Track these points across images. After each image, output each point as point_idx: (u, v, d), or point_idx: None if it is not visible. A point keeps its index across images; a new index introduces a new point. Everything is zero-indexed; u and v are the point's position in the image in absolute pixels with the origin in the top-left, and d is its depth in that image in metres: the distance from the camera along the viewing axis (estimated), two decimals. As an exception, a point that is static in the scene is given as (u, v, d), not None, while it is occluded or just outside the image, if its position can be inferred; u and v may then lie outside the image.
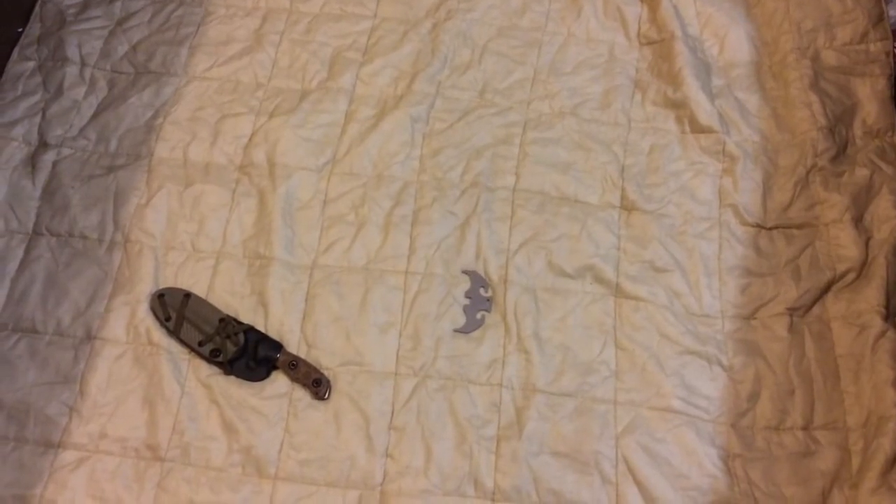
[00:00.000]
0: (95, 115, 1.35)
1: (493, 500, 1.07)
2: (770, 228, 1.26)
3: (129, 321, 1.17)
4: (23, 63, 1.40)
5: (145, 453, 1.09)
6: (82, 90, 1.37)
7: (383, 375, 1.14)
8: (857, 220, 1.23)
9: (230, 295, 1.20)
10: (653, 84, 1.39)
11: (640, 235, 1.25)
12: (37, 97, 1.36)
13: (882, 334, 1.14)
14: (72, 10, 1.45)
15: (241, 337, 1.14)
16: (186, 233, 1.24)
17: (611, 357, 1.16)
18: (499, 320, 1.18)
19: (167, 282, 1.20)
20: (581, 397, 1.13)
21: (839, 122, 1.32)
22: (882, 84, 1.34)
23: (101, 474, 1.07)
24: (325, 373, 1.14)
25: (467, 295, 1.20)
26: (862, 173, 1.27)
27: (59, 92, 1.36)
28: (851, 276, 1.19)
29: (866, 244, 1.21)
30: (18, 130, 1.32)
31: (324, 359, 1.15)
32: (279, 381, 1.14)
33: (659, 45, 1.42)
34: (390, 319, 1.18)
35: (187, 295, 1.17)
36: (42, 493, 1.05)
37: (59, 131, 1.32)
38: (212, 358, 1.13)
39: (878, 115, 1.32)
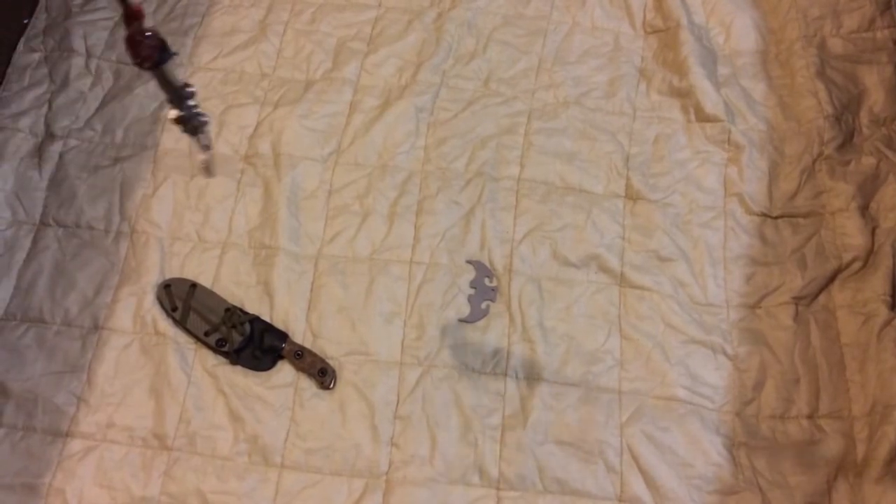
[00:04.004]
0: (101, 106, 1.35)
1: (497, 488, 1.07)
2: (776, 217, 1.26)
3: (135, 311, 1.17)
4: (29, 54, 1.40)
5: (152, 442, 1.09)
6: (88, 81, 1.38)
7: (388, 365, 1.15)
8: (863, 209, 1.23)
9: (236, 285, 1.20)
10: (658, 73, 1.39)
11: (644, 225, 1.25)
12: (43, 88, 1.36)
13: (887, 323, 1.14)
14: (77, 1, 1.45)
15: (247, 327, 1.14)
16: (192, 223, 1.24)
17: (615, 346, 1.16)
18: (503, 310, 1.18)
19: (173, 272, 1.21)
20: (586, 386, 1.14)
21: (846, 111, 1.31)
22: (889, 72, 1.33)
23: (108, 463, 1.08)
24: (331, 362, 1.14)
25: (472, 285, 1.20)
26: (868, 162, 1.26)
27: (66, 83, 1.36)
28: (857, 264, 1.19)
29: (872, 233, 1.21)
30: (25, 121, 1.32)
31: (329, 348, 1.16)
32: (285, 371, 1.14)
33: (664, 33, 1.41)
34: (395, 309, 1.18)
35: (193, 285, 1.18)
36: (51, 481, 1.06)
37: (65, 122, 1.33)
38: (218, 348, 1.13)
39: (884, 103, 1.31)
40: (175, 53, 0.68)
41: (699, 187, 1.28)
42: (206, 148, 0.81)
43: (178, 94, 0.74)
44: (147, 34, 0.63)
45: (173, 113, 0.75)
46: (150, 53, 0.64)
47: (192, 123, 0.76)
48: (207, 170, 0.83)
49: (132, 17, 0.62)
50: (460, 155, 1.30)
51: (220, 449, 1.09)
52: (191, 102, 0.75)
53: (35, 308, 1.18)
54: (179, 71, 1.38)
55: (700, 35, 1.41)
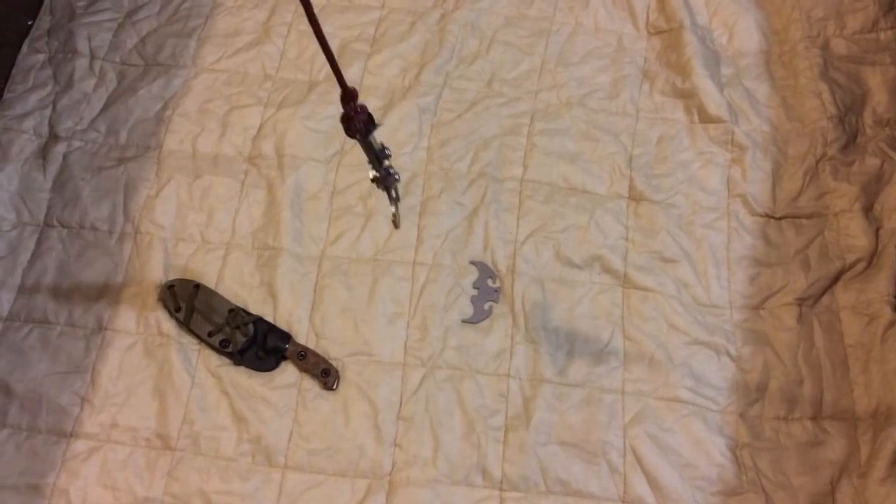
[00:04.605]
0: (105, 108, 1.35)
1: (500, 489, 1.07)
2: (779, 218, 1.25)
3: (139, 312, 1.18)
4: (33, 56, 1.41)
5: (156, 443, 1.10)
6: (92, 82, 1.38)
7: (391, 366, 1.15)
8: (867, 210, 1.22)
9: (239, 286, 1.20)
10: (661, 74, 1.39)
11: (648, 226, 1.25)
12: (47, 90, 1.37)
13: (892, 324, 1.14)
14: (81, 3, 1.46)
15: (251, 327, 1.14)
16: (196, 224, 1.25)
17: (619, 347, 1.16)
18: (506, 311, 1.18)
19: (177, 273, 1.21)
20: (589, 387, 1.14)
21: (849, 112, 1.31)
22: (892, 73, 1.33)
23: (112, 464, 1.08)
24: (334, 363, 1.14)
25: (475, 285, 1.20)
26: (872, 163, 1.26)
27: (70, 84, 1.37)
28: (861, 265, 1.19)
29: (876, 234, 1.21)
30: (29, 123, 1.33)
31: (332, 349, 1.16)
32: (288, 372, 1.14)
33: (667, 34, 1.41)
34: (398, 310, 1.18)
35: (197, 286, 1.18)
36: (55, 482, 1.07)
37: (69, 123, 1.33)
38: (221, 348, 1.14)
39: (888, 104, 1.31)
40: (379, 125, 0.74)
41: (702, 188, 1.28)
42: (396, 201, 0.87)
43: (377, 157, 0.80)
44: (359, 110, 0.71)
45: (372, 173, 0.81)
46: (362, 128, 0.72)
47: (387, 182, 0.83)
48: (395, 221, 0.90)
49: (348, 97, 0.69)
50: (463, 156, 1.30)
51: (224, 449, 1.09)
52: (387, 163, 0.81)
53: (39, 309, 1.18)
54: (183, 73, 1.38)
55: (703, 36, 1.40)
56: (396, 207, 0.89)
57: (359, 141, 0.75)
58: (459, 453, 1.09)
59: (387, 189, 0.86)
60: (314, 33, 0.64)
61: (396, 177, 0.84)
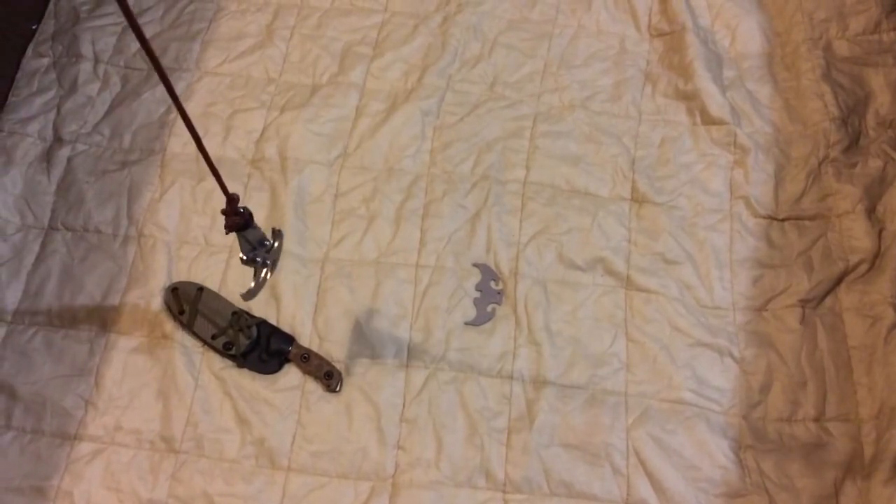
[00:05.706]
0: (109, 111, 1.36)
1: (504, 491, 1.08)
2: (782, 220, 1.25)
3: (143, 315, 1.18)
4: (37, 60, 1.41)
5: (160, 445, 1.10)
6: (96, 86, 1.38)
7: (394, 368, 1.15)
8: (870, 212, 1.22)
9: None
10: (663, 76, 1.39)
11: (650, 228, 1.25)
12: (51, 93, 1.37)
13: (895, 326, 1.13)
14: (85, 7, 1.46)
15: (254, 330, 1.14)
16: (199, 227, 1.25)
17: (621, 349, 1.16)
18: (509, 313, 1.19)
19: (180, 276, 1.21)
20: (592, 389, 1.14)
21: (852, 113, 1.31)
22: (895, 74, 1.33)
23: (116, 466, 1.08)
24: (337, 365, 1.14)
25: (478, 288, 1.20)
26: (875, 164, 1.26)
27: (74, 88, 1.37)
28: (864, 267, 1.19)
29: (879, 235, 1.20)
30: (34, 127, 1.33)
31: (335, 351, 1.16)
32: (291, 374, 1.15)
33: (670, 36, 1.42)
34: (401, 312, 1.19)
35: (200, 289, 1.18)
36: (59, 484, 1.07)
37: (73, 127, 1.34)
38: (225, 351, 1.14)
39: (891, 105, 1.31)
40: (256, 227, 0.84)
41: (705, 190, 1.28)
42: (263, 282, 0.93)
43: (252, 249, 0.87)
44: (240, 211, 0.80)
45: (242, 256, 0.89)
46: (233, 225, 0.81)
47: (255, 266, 0.90)
48: (246, 293, 0.95)
49: (229, 200, 0.79)
50: (466, 158, 1.30)
51: (227, 452, 1.10)
52: (258, 255, 0.89)
53: (43, 312, 1.19)
54: (186, 76, 1.38)
55: (705, 38, 1.41)
56: (257, 286, 0.92)
57: (237, 234, 0.83)
58: (462, 455, 1.09)
59: (255, 271, 0.90)
60: (186, 127, 0.71)
61: (268, 262, 0.89)
